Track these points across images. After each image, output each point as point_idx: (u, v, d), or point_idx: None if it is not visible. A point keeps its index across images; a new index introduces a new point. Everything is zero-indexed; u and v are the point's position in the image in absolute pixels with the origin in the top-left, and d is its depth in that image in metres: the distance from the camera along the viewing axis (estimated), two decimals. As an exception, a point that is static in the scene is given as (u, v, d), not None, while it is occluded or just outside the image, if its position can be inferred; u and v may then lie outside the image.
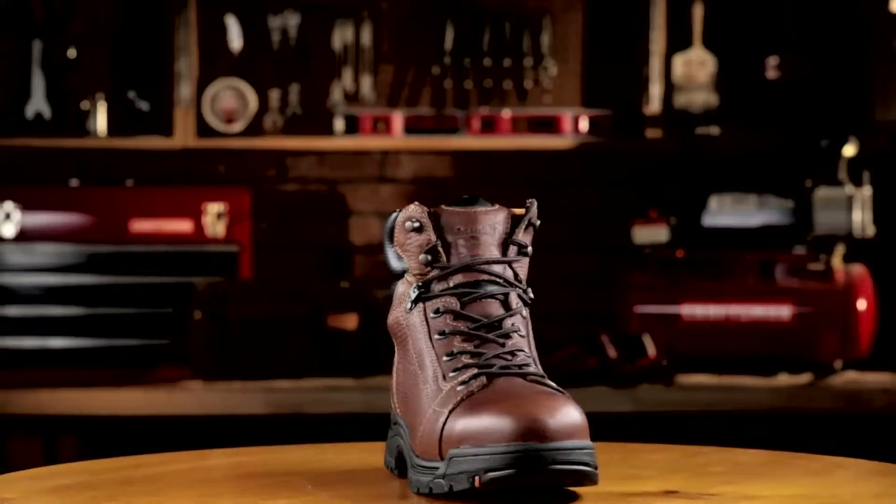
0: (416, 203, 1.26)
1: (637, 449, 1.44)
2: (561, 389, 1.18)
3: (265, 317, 3.62)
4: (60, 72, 4.24)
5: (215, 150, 4.27)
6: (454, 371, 1.18)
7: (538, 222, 1.26)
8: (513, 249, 1.24)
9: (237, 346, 3.59)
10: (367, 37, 4.28)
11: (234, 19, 4.26)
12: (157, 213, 3.90)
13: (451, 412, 1.15)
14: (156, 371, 3.75)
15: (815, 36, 4.25)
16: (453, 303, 1.22)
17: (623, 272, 3.80)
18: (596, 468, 1.14)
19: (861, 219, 3.73)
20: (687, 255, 3.80)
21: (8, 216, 3.87)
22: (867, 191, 3.75)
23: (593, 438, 1.25)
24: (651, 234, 3.80)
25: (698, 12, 4.25)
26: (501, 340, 1.20)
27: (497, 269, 1.23)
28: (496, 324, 1.20)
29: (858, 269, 3.72)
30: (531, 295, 1.24)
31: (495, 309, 1.21)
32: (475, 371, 1.18)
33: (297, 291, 3.72)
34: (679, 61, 4.24)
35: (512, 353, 1.19)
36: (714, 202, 3.84)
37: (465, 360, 1.19)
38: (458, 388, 1.17)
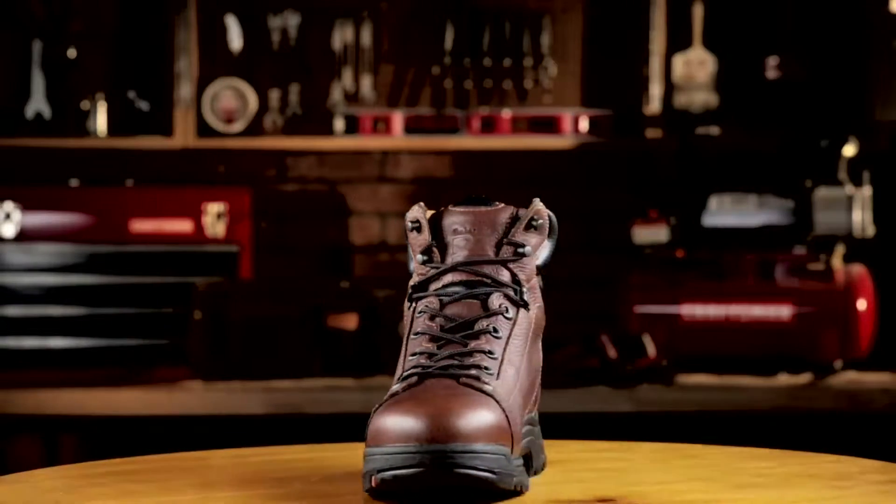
0: (420, 204, 1.26)
1: (633, 448, 1.44)
2: (490, 392, 1.15)
3: (265, 317, 3.62)
4: (60, 72, 4.24)
5: (215, 150, 4.27)
6: (406, 371, 1.19)
7: (540, 221, 1.25)
8: (507, 250, 1.24)
9: (237, 346, 3.59)
10: (367, 37, 4.28)
11: (234, 19, 4.26)
12: (157, 213, 3.90)
13: (374, 412, 1.15)
14: (156, 371, 3.75)
15: (814, 36, 4.25)
16: (435, 303, 1.22)
17: (623, 272, 3.80)
18: (497, 472, 1.11)
19: (861, 219, 3.73)
20: (687, 255, 3.80)
21: (8, 216, 3.87)
22: (867, 191, 3.75)
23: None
24: (651, 234, 3.80)
25: (698, 12, 4.25)
26: (466, 342, 1.19)
27: (487, 269, 1.23)
28: (468, 324, 1.20)
29: (858, 269, 3.72)
30: (527, 297, 1.23)
31: (474, 310, 1.21)
32: (413, 371, 1.18)
33: (297, 291, 3.72)
34: (679, 61, 4.24)
35: (470, 354, 1.18)
36: (714, 202, 3.84)
37: (420, 360, 1.19)
38: (394, 387, 1.17)
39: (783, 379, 3.62)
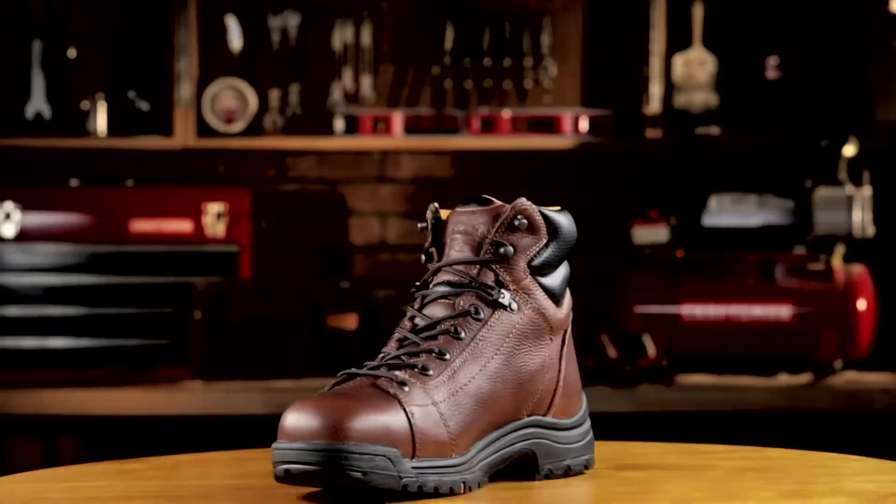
0: (434, 204, 1.27)
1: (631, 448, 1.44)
2: (395, 394, 1.16)
3: (265, 317, 3.62)
4: (60, 72, 4.24)
5: (215, 150, 4.27)
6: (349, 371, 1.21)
7: (523, 221, 1.23)
8: (489, 250, 1.24)
9: (237, 346, 3.59)
10: (367, 37, 4.28)
11: (234, 19, 4.26)
12: (157, 213, 3.90)
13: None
14: (156, 371, 3.75)
15: (815, 36, 4.25)
16: (417, 304, 1.24)
17: (623, 272, 3.80)
18: (371, 473, 1.12)
19: (861, 219, 3.73)
20: (687, 255, 3.80)
21: (8, 216, 3.87)
22: (867, 191, 3.75)
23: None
24: (651, 234, 3.80)
25: (698, 12, 4.25)
26: (423, 343, 1.20)
27: (471, 270, 1.23)
28: (434, 325, 1.21)
29: (858, 269, 3.72)
30: (512, 299, 1.22)
31: (443, 311, 1.22)
32: (350, 371, 1.19)
33: (297, 291, 3.72)
34: (679, 61, 4.24)
35: (417, 355, 1.19)
36: (714, 202, 3.84)
37: (373, 361, 1.20)
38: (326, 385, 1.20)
39: (783, 379, 3.62)
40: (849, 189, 3.74)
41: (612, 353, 3.50)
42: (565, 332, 1.27)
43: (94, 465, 1.34)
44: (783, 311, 3.67)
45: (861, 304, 3.66)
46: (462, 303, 1.22)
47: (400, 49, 4.31)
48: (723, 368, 3.68)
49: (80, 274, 3.87)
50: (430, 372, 1.18)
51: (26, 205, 3.88)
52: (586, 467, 1.27)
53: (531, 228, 1.24)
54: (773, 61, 4.23)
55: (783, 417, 3.52)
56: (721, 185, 3.88)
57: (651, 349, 3.54)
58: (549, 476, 1.24)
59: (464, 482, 1.17)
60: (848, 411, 3.51)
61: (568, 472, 1.25)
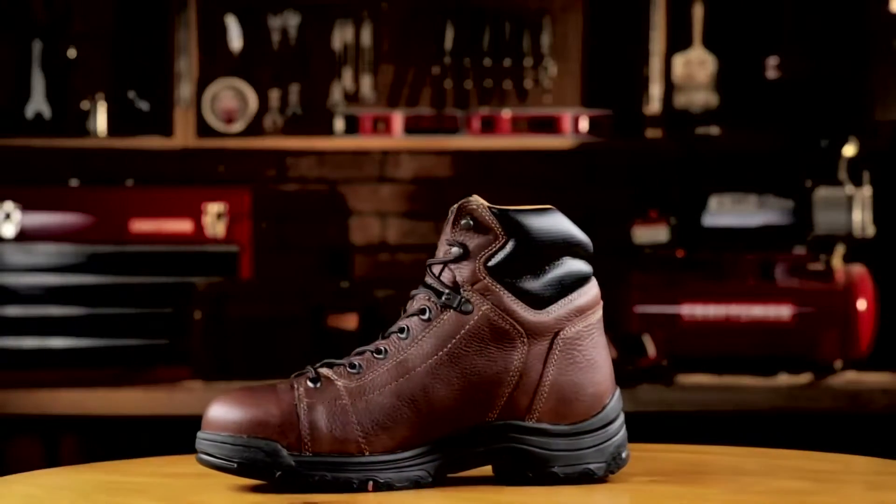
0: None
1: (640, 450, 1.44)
2: (299, 394, 1.20)
3: (265, 317, 3.62)
4: (60, 72, 4.24)
5: (215, 150, 4.27)
6: None
7: (471, 222, 1.21)
8: (446, 251, 1.24)
9: (237, 346, 3.59)
10: (367, 37, 4.28)
11: (234, 19, 4.26)
12: (157, 213, 3.90)
13: None
14: (156, 371, 3.75)
15: (815, 36, 4.25)
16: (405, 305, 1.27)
17: (623, 272, 3.80)
18: (218, 458, 1.18)
19: (861, 219, 3.73)
20: (687, 255, 3.80)
21: (8, 216, 3.87)
22: (867, 191, 3.75)
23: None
24: (651, 234, 3.80)
25: (698, 12, 4.24)
26: (376, 343, 1.23)
27: (434, 270, 1.24)
28: (391, 326, 1.24)
29: (858, 269, 3.72)
30: (464, 299, 1.21)
31: (404, 311, 1.24)
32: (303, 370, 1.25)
33: (297, 291, 3.72)
34: (679, 61, 4.24)
35: (360, 353, 1.23)
36: (714, 202, 3.83)
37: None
38: None
39: (783, 379, 3.62)
40: (849, 189, 3.74)
41: (612, 353, 3.50)
42: (555, 335, 1.23)
43: (93, 466, 1.34)
44: (783, 311, 3.67)
45: (861, 304, 3.66)
46: (416, 304, 1.23)
47: (400, 49, 4.31)
48: (723, 368, 3.68)
49: (80, 274, 3.87)
50: (358, 371, 1.21)
51: (26, 205, 3.88)
52: (588, 474, 1.22)
53: (481, 228, 1.22)
54: (773, 61, 4.23)
55: (783, 417, 3.52)
56: (721, 185, 3.88)
57: (651, 349, 3.54)
58: (532, 482, 1.21)
59: (372, 480, 1.17)
60: (848, 411, 3.51)
61: (556, 479, 1.21)
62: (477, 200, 1.23)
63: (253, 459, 1.17)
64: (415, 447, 1.19)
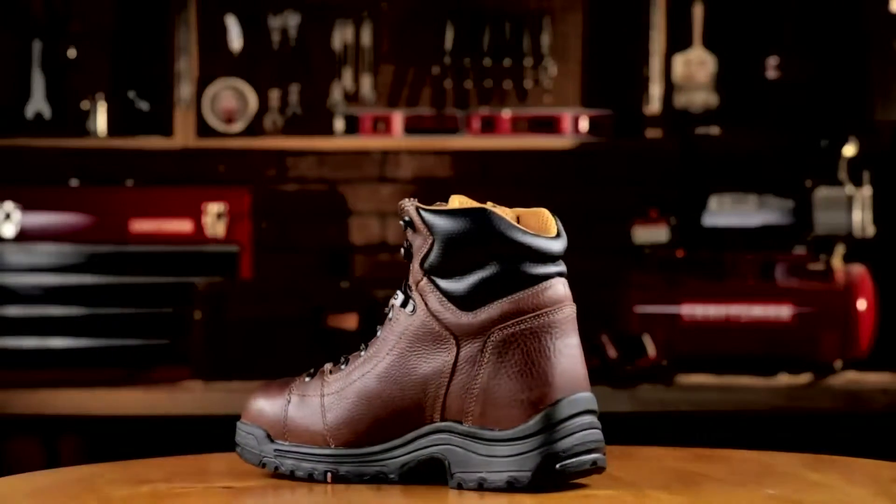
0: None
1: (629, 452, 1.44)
2: (291, 387, 1.29)
3: (265, 317, 3.62)
4: (60, 72, 4.24)
5: (215, 150, 4.27)
6: None
7: (407, 219, 1.21)
8: (404, 251, 1.25)
9: (237, 346, 3.59)
10: (367, 37, 4.28)
11: (234, 19, 4.26)
12: (157, 213, 3.90)
13: None
14: (156, 371, 3.75)
15: (814, 36, 4.25)
16: None
17: (623, 272, 3.80)
18: (240, 446, 1.31)
19: (861, 219, 3.73)
20: (687, 255, 3.80)
21: (8, 216, 3.87)
22: (867, 191, 3.75)
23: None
24: (651, 234, 3.80)
25: (698, 12, 4.25)
26: (370, 340, 1.27)
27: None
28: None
29: (858, 269, 3.72)
30: (411, 299, 1.22)
31: None
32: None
33: (297, 291, 3.72)
34: (679, 61, 4.24)
35: (356, 349, 1.28)
36: (714, 202, 3.83)
37: None
38: None
39: (783, 379, 3.62)
40: (849, 189, 3.74)
41: (612, 353, 3.50)
42: (487, 338, 1.18)
43: (93, 466, 1.34)
44: (783, 311, 3.67)
45: (861, 304, 3.66)
46: (390, 302, 1.27)
47: (400, 49, 4.31)
48: (723, 368, 3.67)
49: (80, 274, 3.87)
50: (344, 367, 1.27)
51: (26, 205, 3.88)
52: (512, 483, 1.16)
53: (416, 229, 1.21)
54: (773, 61, 4.23)
55: (783, 417, 3.52)
56: (721, 185, 3.88)
57: (651, 349, 3.54)
58: (461, 486, 1.18)
59: (330, 472, 1.22)
60: (848, 411, 3.51)
61: (482, 485, 1.17)
62: (411, 202, 1.22)
63: (246, 444, 1.29)
64: (374, 444, 1.22)
